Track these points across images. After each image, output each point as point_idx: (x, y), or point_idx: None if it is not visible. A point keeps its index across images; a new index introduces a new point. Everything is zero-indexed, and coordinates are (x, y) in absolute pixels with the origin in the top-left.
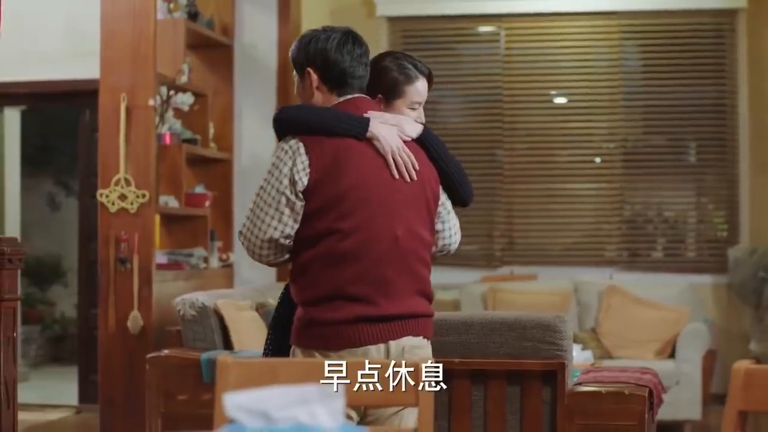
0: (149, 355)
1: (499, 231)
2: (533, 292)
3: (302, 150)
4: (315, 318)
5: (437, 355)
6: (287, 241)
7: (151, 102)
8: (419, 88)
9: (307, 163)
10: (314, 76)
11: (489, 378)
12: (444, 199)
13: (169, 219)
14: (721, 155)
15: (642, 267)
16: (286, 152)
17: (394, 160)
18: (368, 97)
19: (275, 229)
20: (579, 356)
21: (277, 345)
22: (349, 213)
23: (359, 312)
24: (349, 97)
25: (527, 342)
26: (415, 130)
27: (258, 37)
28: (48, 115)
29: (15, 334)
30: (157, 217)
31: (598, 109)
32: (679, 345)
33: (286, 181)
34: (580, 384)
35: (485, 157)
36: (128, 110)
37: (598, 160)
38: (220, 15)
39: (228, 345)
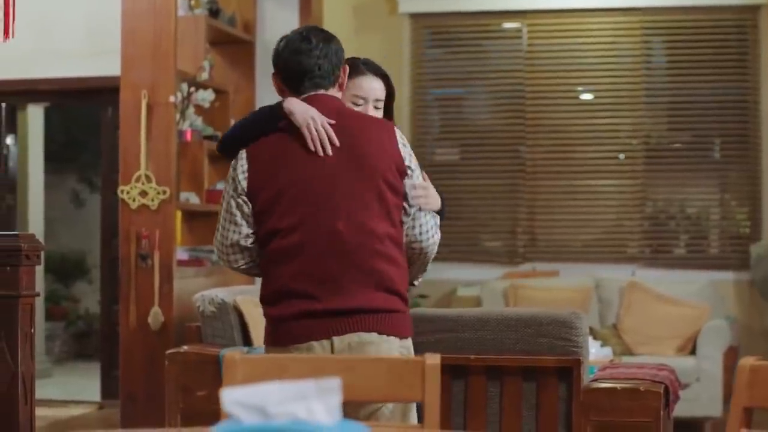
0: (168, 351)
1: (521, 227)
2: (554, 288)
3: (243, 155)
4: (269, 315)
5: (453, 351)
6: (249, 242)
7: (171, 99)
8: (362, 83)
9: (246, 167)
10: (278, 81)
11: (505, 374)
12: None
13: (191, 215)
14: (744, 151)
15: (664, 264)
16: (234, 161)
17: (310, 132)
18: (332, 93)
19: (233, 232)
20: (598, 353)
21: None
22: (287, 211)
23: (302, 307)
24: (309, 94)
25: (543, 338)
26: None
27: (279, 34)
28: (73, 111)
29: (33, 330)
30: (179, 214)
31: (620, 105)
32: (700, 342)
33: (231, 188)
34: (596, 380)
35: (508, 153)
36: (149, 107)
37: (622, 156)
38: (242, 12)
39: (247, 341)
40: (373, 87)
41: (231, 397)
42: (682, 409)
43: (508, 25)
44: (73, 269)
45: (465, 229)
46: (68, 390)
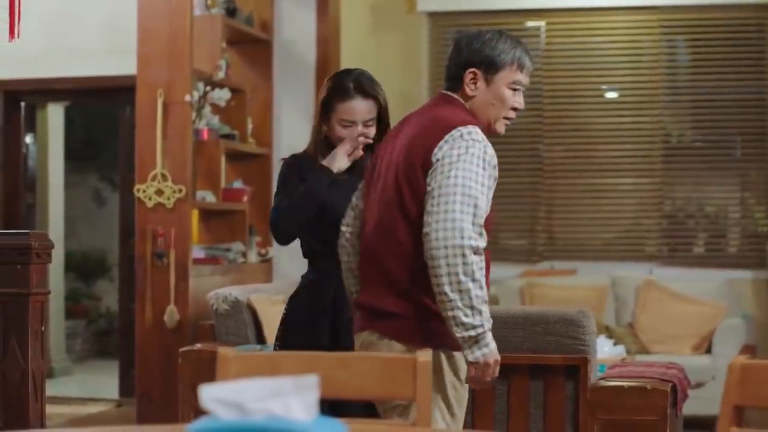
0: (182, 349)
1: (540, 226)
2: (570, 287)
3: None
4: None
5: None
6: None
7: (187, 98)
8: (349, 107)
9: None
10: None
11: (512, 373)
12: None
13: (208, 214)
14: (763, 150)
15: (682, 262)
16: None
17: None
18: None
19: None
20: (611, 351)
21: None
22: None
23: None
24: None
25: (550, 337)
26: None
27: (297, 33)
28: (95, 110)
29: (43, 328)
30: (195, 212)
31: (639, 104)
32: (716, 340)
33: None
34: (603, 379)
35: (526, 152)
36: (165, 106)
37: (650, 152)
38: (260, 11)
39: (261, 339)
40: (361, 109)
41: (209, 393)
42: (697, 407)
43: (526, 23)
44: (95, 267)
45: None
46: (87, 388)
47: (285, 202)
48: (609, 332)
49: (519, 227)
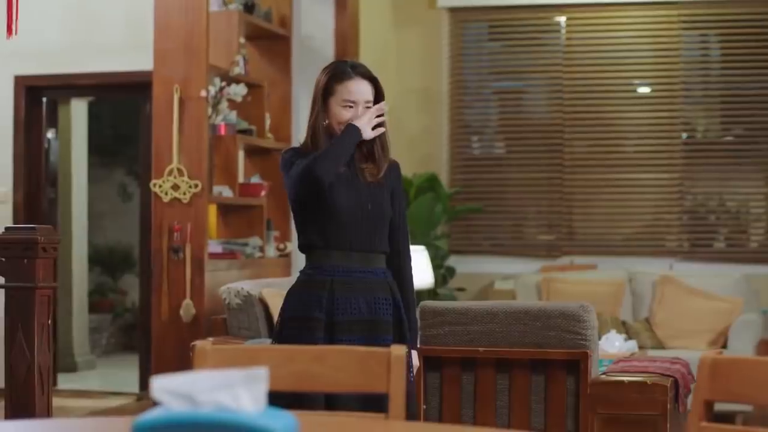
0: (193, 343)
1: (560, 221)
2: (587, 282)
3: None
4: None
5: (463, 344)
6: None
7: (203, 93)
8: (351, 87)
9: None
10: None
11: (513, 367)
12: None
13: (226, 209)
14: None
15: (702, 257)
16: None
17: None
18: None
19: None
20: (622, 346)
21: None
22: None
23: None
24: None
25: (551, 331)
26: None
27: (315, 29)
28: (121, 105)
29: (50, 321)
30: (213, 207)
31: (659, 98)
32: (732, 336)
33: None
34: (606, 374)
35: (546, 147)
36: (181, 101)
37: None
38: (278, 7)
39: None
40: (362, 90)
41: (160, 385)
42: None
43: (546, 18)
44: (121, 262)
45: (504, 222)
46: (110, 381)
47: (312, 157)
48: (625, 327)
49: (540, 222)
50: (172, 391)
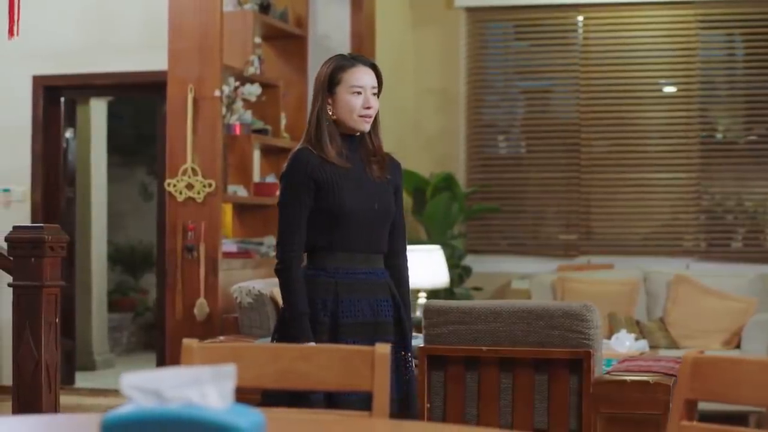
0: (204, 342)
1: (577, 221)
2: (602, 281)
3: None
4: None
5: (466, 342)
6: None
7: (217, 93)
8: (357, 73)
9: None
10: None
11: (517, 366)
12: None
13: (242, 208)
14: None
15: (719, 257)
16: None
17: None
18: None
19: None
20: (632, 345)
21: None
22: None
23: None
24: None
25: (555, 330)
26: None
27: (331, 28)
28: (142, 105)
29: (57, 320)
30: (229, 206)
31: (676, 98)
32: (745, 336)
33: None
34: (609, 373)
35: (564, 146)
36: (195, 101)
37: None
38: (294, 7)
39: None
40: (367, 76)
41: (129, 381)
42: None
43: (563, 18)
44: (142, 261)
45: (522, 222)
46: None
47: (289, 299)
48: (639, 327)
49: (557, 222)
50: (141, 387)
